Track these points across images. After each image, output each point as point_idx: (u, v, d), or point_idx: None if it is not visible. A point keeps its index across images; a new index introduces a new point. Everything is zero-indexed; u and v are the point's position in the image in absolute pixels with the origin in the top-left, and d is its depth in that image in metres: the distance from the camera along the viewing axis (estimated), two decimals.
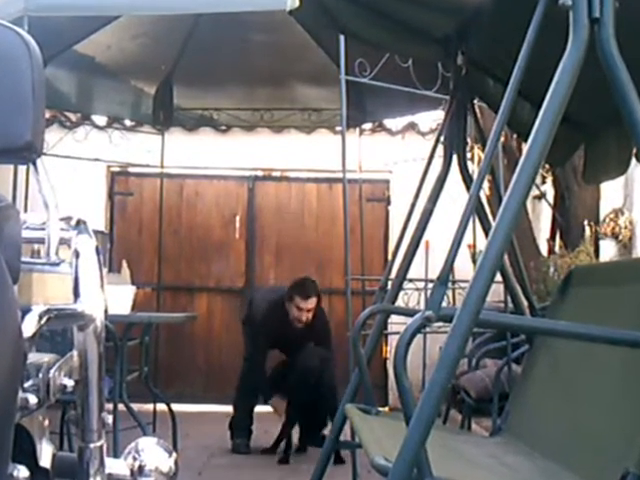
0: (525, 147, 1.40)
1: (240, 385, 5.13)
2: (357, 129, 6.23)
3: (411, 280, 4.50)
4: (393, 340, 5.83)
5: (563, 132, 1.61)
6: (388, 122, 7.20)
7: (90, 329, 1.19)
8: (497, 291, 3.36)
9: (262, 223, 7.31)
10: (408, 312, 3.09)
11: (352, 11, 2.80)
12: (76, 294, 1.15)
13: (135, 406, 4.17)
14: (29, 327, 0.93)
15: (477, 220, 3.06)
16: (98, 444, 1.23)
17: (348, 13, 2.82)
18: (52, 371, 1.11)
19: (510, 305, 3.15)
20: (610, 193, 6.00)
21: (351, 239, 4.23)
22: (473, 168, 4.83)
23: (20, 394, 0.97)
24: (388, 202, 7.22)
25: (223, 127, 7.11)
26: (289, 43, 5.35)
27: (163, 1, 4.20)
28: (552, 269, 5.57)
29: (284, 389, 4.92)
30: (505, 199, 1.36)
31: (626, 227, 5.70)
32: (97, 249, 1.22)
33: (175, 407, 4.82)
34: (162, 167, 6.41)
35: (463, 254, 4.80)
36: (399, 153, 6.98)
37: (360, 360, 2.76)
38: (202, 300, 7.27)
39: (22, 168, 4.29)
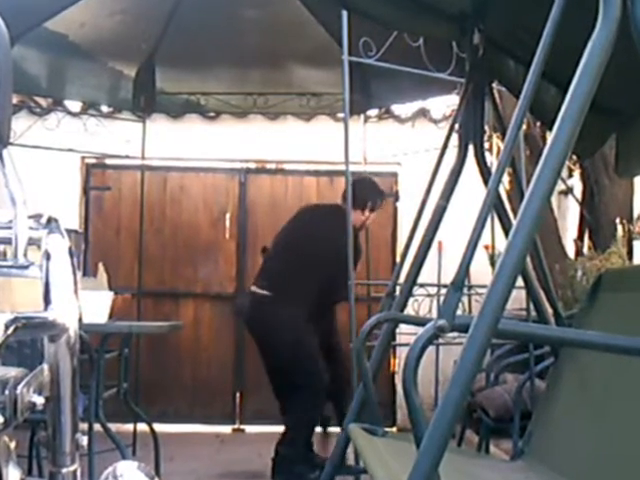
0: (550, 136, 1.40)
1: (304, 411, 4.74)
2: (361, 116, 6.24)
3: (422, 285, 4.51)
4: (402, 352, 5.83)
5: (592, 120, 1.61)
6: (396, 108, 7.21)
7: (62, 340, 1.19)
8: (518, 298, 3.37)
9: (255, 221, 7.31)
10: (419, 321, 3.09)
11: None
12: (47, 300, 1.15)
13: (113, 426, 4.17)
14: None
15: (496, 218, 3.06)
16: (71, 469, 1.23)
17: None
18: (20, 387, 1.11)
19: (533, 313, 3.15)
20: None
21: None
22: (491, 160, 4.84)
23: None
24: (396, 198, 7.23)
25: (211, 114, 7.12)
26: (285, 20, 5.36)
27: None
28: (580, 273, 5.56)
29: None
30: (527, 194, 1.36)
31: None
32: (70, 250, 1.21)
33: (158, 427, 4.83)
34: (143, 158, 6.41)
35: (480, 256, 4.80)
36: (408, 143, 6.99)
37: (365, 374, 2.76)
38: (188, 307, 7.27)
39: None
